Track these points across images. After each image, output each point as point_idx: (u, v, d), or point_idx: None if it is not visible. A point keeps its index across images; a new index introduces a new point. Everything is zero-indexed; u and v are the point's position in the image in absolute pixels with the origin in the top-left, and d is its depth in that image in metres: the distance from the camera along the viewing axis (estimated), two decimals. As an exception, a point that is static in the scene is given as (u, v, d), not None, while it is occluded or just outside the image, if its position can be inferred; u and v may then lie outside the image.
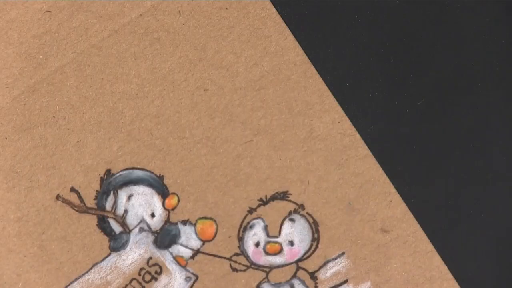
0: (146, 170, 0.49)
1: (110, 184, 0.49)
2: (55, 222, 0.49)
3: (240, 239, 0.49)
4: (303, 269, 0.49)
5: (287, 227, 0.49)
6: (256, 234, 0.49)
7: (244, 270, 0.49)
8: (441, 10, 0.51)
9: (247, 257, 0.49)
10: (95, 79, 0.49)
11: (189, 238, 0.49)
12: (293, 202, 0.49)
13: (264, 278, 0.49)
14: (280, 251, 0.49)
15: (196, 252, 0.49)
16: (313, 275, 0.49)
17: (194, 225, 0.49)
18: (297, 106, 0.49)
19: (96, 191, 0.49)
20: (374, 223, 0.49)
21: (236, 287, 0.49)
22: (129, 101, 0.49)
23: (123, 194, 0.49)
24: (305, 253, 0.49)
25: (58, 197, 0.49)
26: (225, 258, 0.49)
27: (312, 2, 0.50)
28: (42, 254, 0.49)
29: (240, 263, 0.49)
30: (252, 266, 0.49)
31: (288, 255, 0.49)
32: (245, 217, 0.49)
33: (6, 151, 0.49)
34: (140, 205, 0.49)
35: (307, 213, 0.49)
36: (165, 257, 0.49)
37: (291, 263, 0.49)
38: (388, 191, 0.49)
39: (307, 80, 0.49)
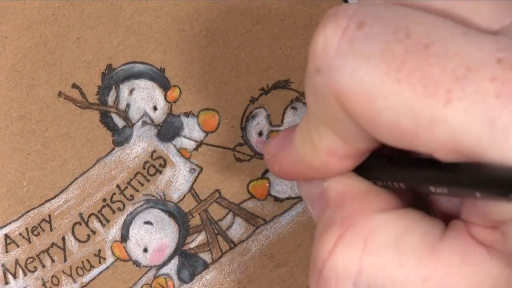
0: (147, 64, 0.49)
1: (111, 79, 0.49)
2: (58, 119, 0.49)
3: (243, 129, 0.49)
4: (307, 156, 0.49)
5: (289, 116, 0.49)
6: (259, 123, 0.49)
7: (248, 160, 0.49)
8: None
9: (251, 147, 0.49)
10: (93, -25, 0.49)
11: (192, 130, 0.49)
12: (295, 90, 0.49)
13: (269, 167, 0.49)
14: (283, 140, 0.49)
15: (200, 144, 0.49)
16: (317, 162, 0.49)
17: (197, 116, 0.49)
18: (295, -6, 0.49)
19: (98, 86, 0.49)
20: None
21: (241, 177, 0.49)
22: (127, -4, 0.49)
23: (124, 88, 0.49)
24: (308, 141, 0.49)
25: (60, 93, 0.49)
26: (228, 148, 0.49)
27: None
28: (46, 151, 0.49)
29: (243, 153, 0.49)
30: (256, 155, 0.49)
31: (292, 143, 0.49)
32: (247, 107, 0.49)
33: (6, 50, 0.49)
34: (142, 98, 0.49)
35: (309, 100, 0.49)
36: (169, 150, 0.49)
37: (295, 151, 0.49)
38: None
39: (305, -32, 0.49)
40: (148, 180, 0.49)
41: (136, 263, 0.49)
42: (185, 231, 0.49)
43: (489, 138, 0.29)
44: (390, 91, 0.30)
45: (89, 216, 0.49)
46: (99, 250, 0.49)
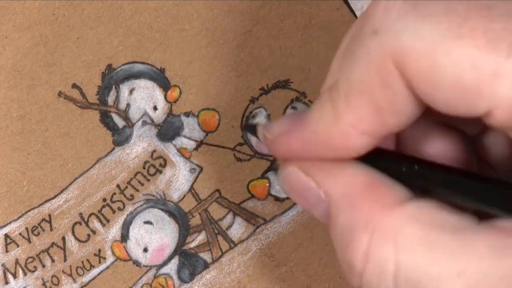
0: (147, 64, 0.49)
1: (111, 79, 0.49)
2: (58, 119, 0.49)
3: (243, 129, 0.49)
4: (307, 156, 0.49)
5: (289, 115, 0.49)
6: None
7: (248, 160, 0.49)
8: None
9: (251, 147, 0.49)
10: (93, -25, 0.50)
11: (192, 130, 0.49)
12: (295, 90, 0.49)
13: (269, 167, 0.49)
14: (283, 139, 0.49)
15: (200, 143, 0.49)
16: (317, 162, 0.49)
17: (197, 116, 0.49)
18: (295, -6, 0.49)
19: (98, 86, 0.49)
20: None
21: (241, 177, 0.49)
22: (127, -4, 0.49)
23: (125, 88, 0.49)
24: (308, 141, 0.49)
25: (60, 93, 0.49)
26: (228, 148, 0.49)
27: None
28: (46, 151, 0.49)
29: (244, 153, 0.49)
30: (256, 155, 0.49)
31: (292, 143, 0.49)
32: (247, 107, 0.49)
33: (7, 50, 0.49)
34: (142, 98, 0.49)
35: (309, 100, 0.49)
36: (169, 150, 0.49)
37: (295, 151, 0.49)
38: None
39: (305, -32, 0.50)
40: (148, 180, 0.49)
41: (136, 263, 0.49)
42: (185, 230, 0.49)
43: None
44: (452, 46, 0.30)
45: (89, 216, 0.49)
46: (99, 250, 0.49)
